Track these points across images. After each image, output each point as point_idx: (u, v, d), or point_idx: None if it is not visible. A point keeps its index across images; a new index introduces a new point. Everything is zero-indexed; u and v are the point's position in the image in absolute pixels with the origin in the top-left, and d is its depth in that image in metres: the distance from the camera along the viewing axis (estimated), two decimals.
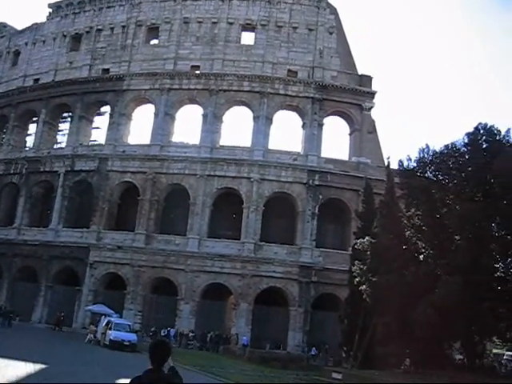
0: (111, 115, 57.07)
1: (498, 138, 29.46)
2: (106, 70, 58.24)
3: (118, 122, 56.20)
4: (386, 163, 40.17)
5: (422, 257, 29.98)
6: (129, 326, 39.66)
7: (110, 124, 56.77)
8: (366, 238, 31.98)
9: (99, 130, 60.91)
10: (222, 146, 53.90)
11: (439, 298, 24.66)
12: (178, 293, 49.21)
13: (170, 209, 53.73)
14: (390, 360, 29.64)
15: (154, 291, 50.49)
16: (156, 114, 55.10)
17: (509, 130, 29.81)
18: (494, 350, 56.86)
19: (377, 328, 30.67)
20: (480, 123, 29.73)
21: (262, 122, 52.86)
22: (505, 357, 52.95)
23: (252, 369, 31.75)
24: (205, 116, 53.88)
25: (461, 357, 33.41)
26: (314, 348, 44.97)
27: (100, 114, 61.32)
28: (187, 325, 47.27)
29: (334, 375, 28.89)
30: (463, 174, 28.92)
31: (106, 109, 59.35)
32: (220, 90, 53.94)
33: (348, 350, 38.67)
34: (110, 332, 37.44)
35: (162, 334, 45.10)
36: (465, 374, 27.09)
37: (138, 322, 47.90)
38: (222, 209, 51.90)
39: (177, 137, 57.26)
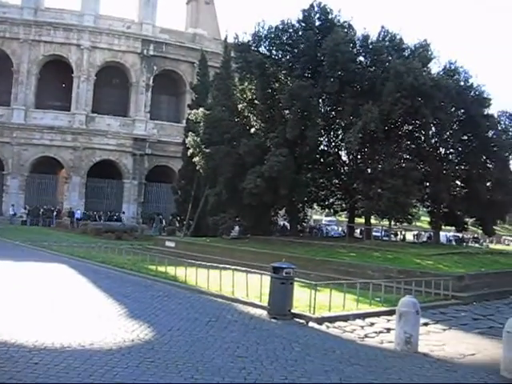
0: None
1: (330, 17, 30.31)
2: None
3: None
4: (222, 36, 39.87)
5: (253, 130, 31.03)
6: None
7: None
8: (200, 109, 32.16)
9: None
10: (48, 9, 49.19)
11: (267, 168, 26.04)
12: (4, 167, 46.44)
13: None
14: (220, 227, 31.22)
15: None
16: None
17: (340, 10, 30.85)
18: (315, 216, 62.34)
19: (209, 198, 31.86)
20: (315, 1, 30.25)
21: None
22: (323, 222, 58.35)
23: (86, 241, 31.71)
24: None
25: (286, 223, 36.31)
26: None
27: None
28: (16, 200, 45.25)
29: (168, 243, 29.90)
30: (296, 51, 29.65)
31: None
32: None
33: (181, 219, 40.05)
34: None
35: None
36: (288, 237, 29.64)
37: None
38: (49, 78, 48.41)
39: None
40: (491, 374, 8.31)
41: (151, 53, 49.54)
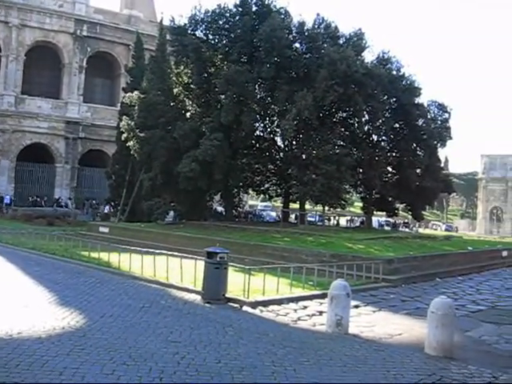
0: None
1: (266, 2, 30.33)
2: None
3: None
4: (158, 18, 39.20)
5: (189, 114, 30.83)
6: None
7: None
8: (135, 92, 31.62)
9: None
10: None
11: (201, 152, 25.96)
12: None
13: None
14: (155, 212, 30.93)
15: None
16: None
17: None
18: (250, 202, 62.68)
19: (143, 182, 31.49)
20: None
21: None
22: (259, 207, 58.78)
23: (15, 227, 30.72)
24: None
25: (221, 208, 36.38)
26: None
27: None
28: None
29: (101, 229, 29.41)
30: (232, 35, 29.53)
31: None
32: None
33: (116, 204, 39.42)
34: None
35: None
36: (223, 222, 29.71)
37: None
38: None
39: None
40: (416, 352, 8.66)
41: (85, 33, 48.14)
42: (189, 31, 29.99)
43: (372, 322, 11.12)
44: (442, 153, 38.76)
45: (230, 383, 6.49)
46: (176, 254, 14.78)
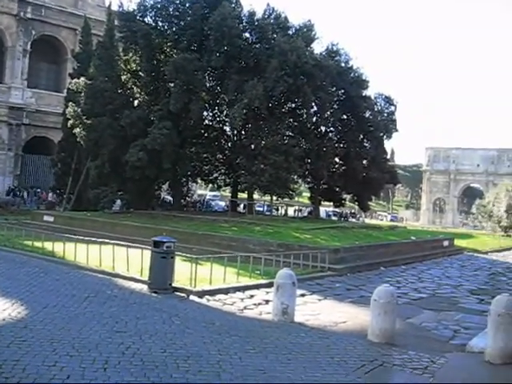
0: None
1: None
2: None
3: None
4: (107, 3, 38.38)
5: (137, 102, 30.40)
6: None
7: None
8: (82, 78, 30.93)
9: None
10: None
11: (150, 141, 25.67)
12: None
13: None
14: (102, 201, 30.41)
15: None
16: None
17: None
18: (200, 191, 62.46)
19: (90, 171, 30.93)
20: None
21: None
22: (208, 196, 58.55)
23: None
24: None
25: (169, 197, 36.14)
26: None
27: None
28: None
29: (46, 218, 28.72)
30: (182, 23, 29.23)
31: None
32: None
33: (61, 193, 38.58)
34: None
35: None
36: (171, 212, 29.53)
37: None
38: None
39: None
40: (360, 339, 8.87)
41: (29, 16, 46.54)
42: (138, 17, 29.51)
43: (317, 311, 11.31)
44: (388, 145, 39.79)
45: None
46: (122, 243, 14.61)
